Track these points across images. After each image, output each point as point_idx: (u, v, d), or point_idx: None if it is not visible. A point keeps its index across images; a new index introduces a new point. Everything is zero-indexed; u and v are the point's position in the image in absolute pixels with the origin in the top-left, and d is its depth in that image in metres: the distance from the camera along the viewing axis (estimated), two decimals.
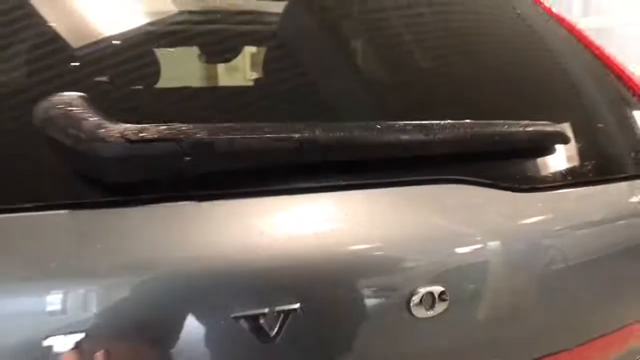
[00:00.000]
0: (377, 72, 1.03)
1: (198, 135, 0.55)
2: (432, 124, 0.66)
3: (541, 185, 0.74)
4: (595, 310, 0.76)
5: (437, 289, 0.63)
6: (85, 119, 0.53)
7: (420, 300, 0.62)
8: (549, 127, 0.75)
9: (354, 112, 0.83)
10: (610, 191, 0.81)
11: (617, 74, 0.96)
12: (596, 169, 0.80)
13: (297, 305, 0.58)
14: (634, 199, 0.82)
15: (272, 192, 0.62)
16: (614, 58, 1.00)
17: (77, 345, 0.52)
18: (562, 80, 0.95)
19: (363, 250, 0.63)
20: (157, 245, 0.56)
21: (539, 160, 0.77)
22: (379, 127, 0.64)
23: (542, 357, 0.72)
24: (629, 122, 0.90)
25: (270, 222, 0.60)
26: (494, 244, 0.68)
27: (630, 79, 0.96)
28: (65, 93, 0.57)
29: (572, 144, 0.79)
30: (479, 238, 0.67)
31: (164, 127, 0.55)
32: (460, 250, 0.66)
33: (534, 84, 0.92)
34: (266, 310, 0.56)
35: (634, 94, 0.93)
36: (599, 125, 0.87)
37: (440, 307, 0.63)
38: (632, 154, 0.86)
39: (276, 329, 0.57)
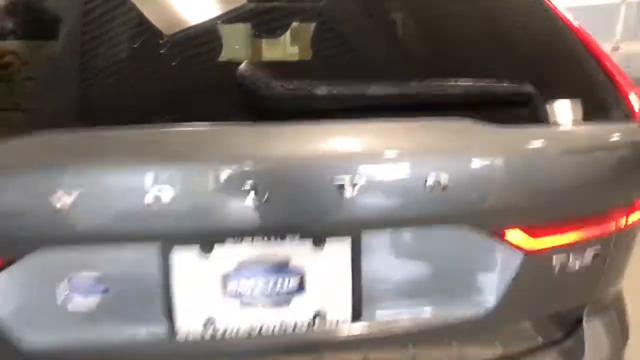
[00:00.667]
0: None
1: (321, 87, 1.00)
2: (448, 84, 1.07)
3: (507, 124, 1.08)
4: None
5: (443, 175, 0.98)
6: (262, 76, 1.01)
7: (427, 181, 0.98)
8: (517, 88, 1.10)
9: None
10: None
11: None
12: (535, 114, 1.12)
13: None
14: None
15: (358, 119, 1.02)
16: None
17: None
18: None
19: (391, 149, 1.01)
20: (291, 145, 0.98)
21: (509, 108, 1.12)
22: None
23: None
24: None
25: (349, 136, 1.02)
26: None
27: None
28: (247, 62, 1.05)
29: (531, 99, 1.11)
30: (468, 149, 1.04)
31: (302, 81, 1.01)
32: (458, 152, 1.03)
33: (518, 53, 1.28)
34: (347, 177, 0.95)
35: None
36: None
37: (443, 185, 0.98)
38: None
39: (353, 188, 0.95)
